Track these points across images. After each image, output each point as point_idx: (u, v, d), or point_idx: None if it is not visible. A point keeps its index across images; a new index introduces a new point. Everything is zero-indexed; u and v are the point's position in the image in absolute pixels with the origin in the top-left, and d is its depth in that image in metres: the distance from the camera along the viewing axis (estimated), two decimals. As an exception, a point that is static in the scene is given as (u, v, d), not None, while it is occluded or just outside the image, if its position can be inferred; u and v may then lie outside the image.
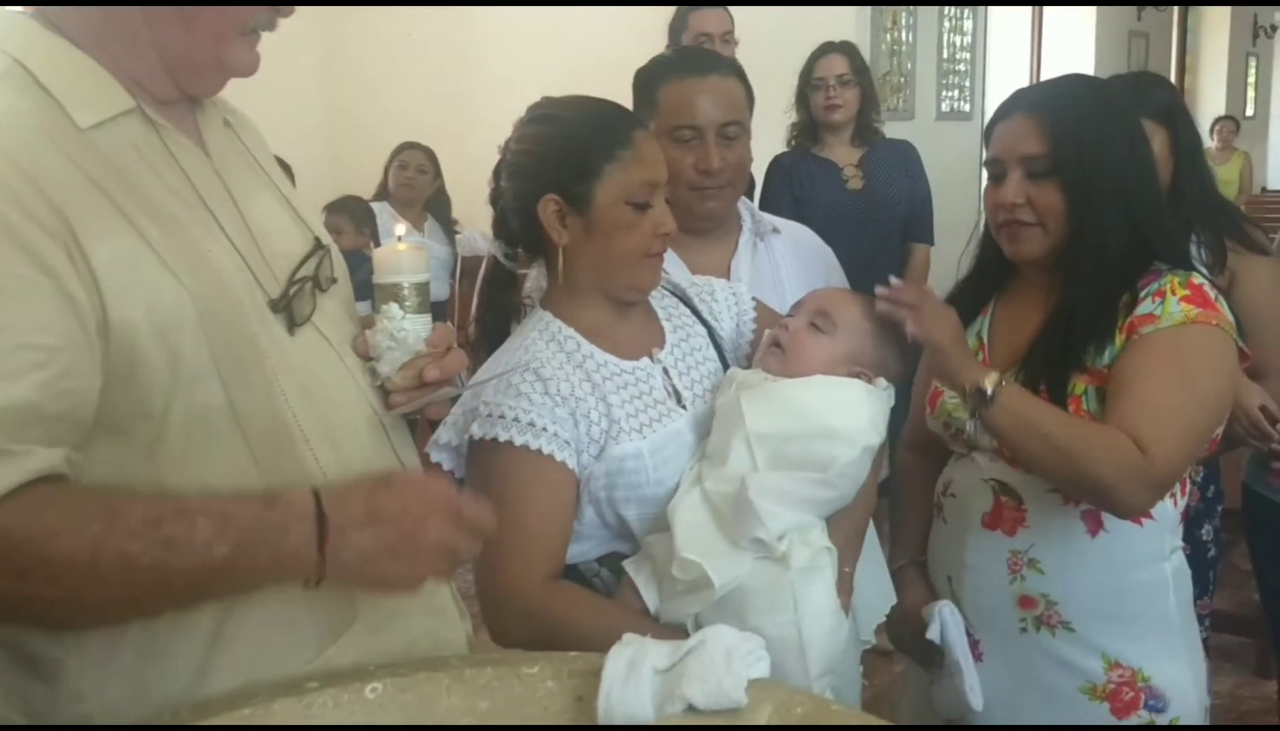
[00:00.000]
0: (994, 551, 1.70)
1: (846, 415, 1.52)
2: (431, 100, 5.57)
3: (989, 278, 1.82)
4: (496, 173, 1.62)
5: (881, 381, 1.61)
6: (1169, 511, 1.69)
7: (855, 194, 3.65)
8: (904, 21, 5.52)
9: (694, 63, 2.00)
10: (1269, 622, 2.64)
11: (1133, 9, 8.87)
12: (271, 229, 1.22)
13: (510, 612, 1.48)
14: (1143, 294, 1.63)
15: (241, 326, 1.13)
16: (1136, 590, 1.67)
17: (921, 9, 5.61)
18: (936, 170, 3.98)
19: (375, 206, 4.67)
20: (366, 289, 1.30)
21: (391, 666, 1.15)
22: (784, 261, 2.07)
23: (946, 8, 5.88)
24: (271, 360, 1.14)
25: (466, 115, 5.32)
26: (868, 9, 5.17)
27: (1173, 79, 9.33)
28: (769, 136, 3.62)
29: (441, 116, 5.37)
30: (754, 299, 1.80)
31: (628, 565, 1.51)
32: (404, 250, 1.28)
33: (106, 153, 1.09)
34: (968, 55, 6.17)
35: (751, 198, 3.52)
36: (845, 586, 1.54)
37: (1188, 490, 1.74)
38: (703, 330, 1.70)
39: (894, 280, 1.63)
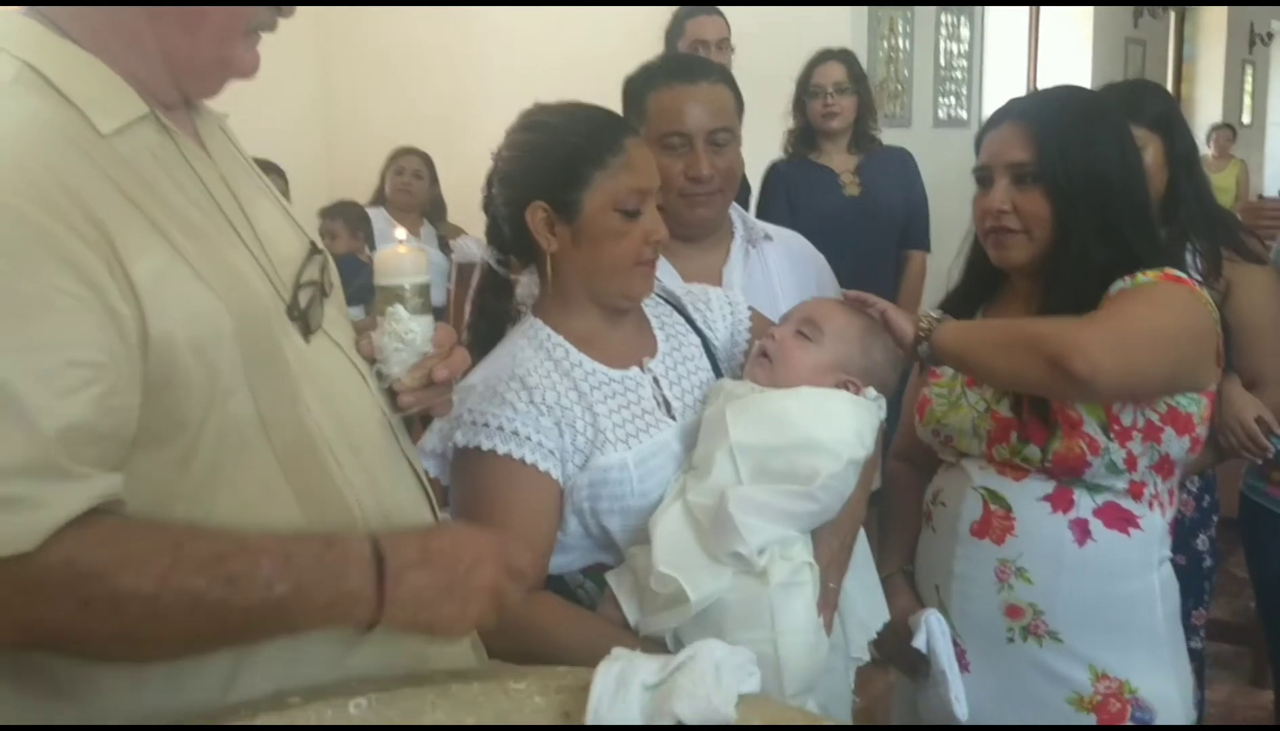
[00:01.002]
0: (982, 560, 1.69)
1: (831, 427, 1.51)
2: (428, 105, 5.56)
3: (978, 285, 1.82)
4: (489, 180, 1.62)
5: (870, 391, 1.60)
6: (1156, 522, 1.68)
7: (852, 201, 3.65)
8: (901, 29, 5.51)
9: (682, 70, 1.99)
10: (1265, 631, 2.63)
11: (1129, 18, 8.87)
12: (275, 234, 1.21)
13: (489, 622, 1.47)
14: (1114, 290, 1.63)
15: (269, 336, 1.11)
16: (1124, 601, 1.67)
17: (918, 16, 5.60)
18: (933, 177, 3.98)
19: (371, 212, 4.65)
20: (362, 294, 1.29)
21: (376, 680, 1.14)
22: (776, 268, 2.06)
23: (943, 15, 5.88)
24: (294, 368, 1.14)
25: (463, 120, 5.30)
26: (864, 16, 5.16)
27: (1169, 86, 9.32)
28: (765, 142, 3.61)
29: (438, 122, 5.35)
30: (750, 308, 1.79)
31: (610, 577, 1.50)
32: (405, 252, 1.28)
33: (129, 160, 1.05)
34: (965, 62, 6.16)
35: (746, 203, 3.52)
36: (829, 602, 1.52)
37: (1176, 500, 1.74)
38: (696, 340, 1.69)
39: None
